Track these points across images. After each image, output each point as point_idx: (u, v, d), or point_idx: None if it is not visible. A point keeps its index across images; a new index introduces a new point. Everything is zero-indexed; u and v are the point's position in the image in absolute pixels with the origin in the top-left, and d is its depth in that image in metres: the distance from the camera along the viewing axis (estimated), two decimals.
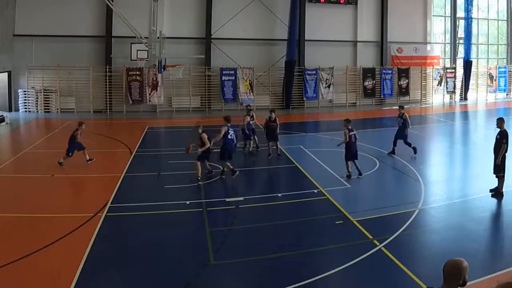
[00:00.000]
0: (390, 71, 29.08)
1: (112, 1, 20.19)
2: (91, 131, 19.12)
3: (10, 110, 23.21)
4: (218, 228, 8.46)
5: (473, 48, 31.72)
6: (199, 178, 11.24)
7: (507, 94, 33.04)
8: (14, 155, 14.30)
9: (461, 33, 31.56)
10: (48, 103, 23.76)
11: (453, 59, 32.20)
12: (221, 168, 12.00)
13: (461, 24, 31.34)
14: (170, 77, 22.39)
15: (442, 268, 3.43)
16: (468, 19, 30.11)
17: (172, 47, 21.50)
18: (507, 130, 10.12)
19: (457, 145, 17.63)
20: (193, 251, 7.53)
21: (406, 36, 29.70)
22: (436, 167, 13.84)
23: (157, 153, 15.39)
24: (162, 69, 17.72)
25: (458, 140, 18.94)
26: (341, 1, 27.87)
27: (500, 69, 32.64)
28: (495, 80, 32.44)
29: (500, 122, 10.15)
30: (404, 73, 29.44)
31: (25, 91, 23.65)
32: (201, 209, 9.47)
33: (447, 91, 31.01)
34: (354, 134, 11.80)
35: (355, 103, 28.60)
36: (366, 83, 28.54)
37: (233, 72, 25.57)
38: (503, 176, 10.04)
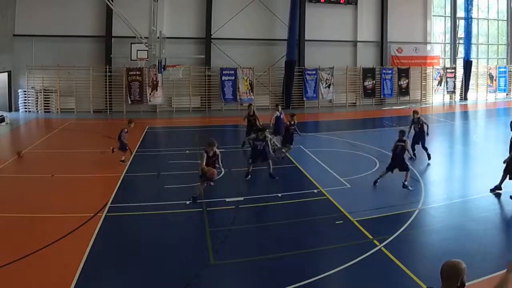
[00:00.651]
0: (390, 71, 29.09)
1: (112, 1, 20.19)
2: (91, 131, 19.18)
3: (10, 110, 23.21)
4: (218, 228, 8.45)
5: (473, 48, 31.72)
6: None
7: (507, 94, 33.04)
8: (14, 155, 14.29)
9: (461, 33, 31.56)
10: (48, 103, 23.77)
11: (453, 59, 32.20)
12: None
13: (461, 24, 31.34)
14: (170, 77, 22.39)
15: (439, 269, 3.43)
16: (468, 19, 30.11)
17: (172, 47, 21.51)
18: None
19: (457, 145, 17.63)
20: (193, 251, 7.53)
21: (406, 36, 29.70)
22: (436, 167, 13.83)
23: (157, 153, 15.39)
24: (162, 69, 17.71)
25: (458, 140, 18.94)
26: (341, 1, 27.88)
27: (500, 69, 32.65)
28: (495, 80, 32.44)
29: None
30: (404, 73, 29.44)
31: (25, 91, 23.65)
32: (201, 209, 9.47)
33: (447, 91, 31.02)
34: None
35: (355, 103, 28.60)
36: (366, 83, 28.55)
37: (233, 72, 25.57)
38: None
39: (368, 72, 28.51)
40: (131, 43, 20.17)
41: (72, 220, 8.59)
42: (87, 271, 6.67)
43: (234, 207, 9.62)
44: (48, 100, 23.77)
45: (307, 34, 27.10)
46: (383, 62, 29.29)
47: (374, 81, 28.67)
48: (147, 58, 18.75)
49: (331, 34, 27.76)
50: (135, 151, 14.98)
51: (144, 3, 19.10)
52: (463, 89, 31.41)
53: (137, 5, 21.26)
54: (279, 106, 16.16)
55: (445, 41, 32.49)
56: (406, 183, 10.72)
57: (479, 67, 32.72)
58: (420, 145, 13.86)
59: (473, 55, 31.38)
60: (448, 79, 30.87)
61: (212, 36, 25.69)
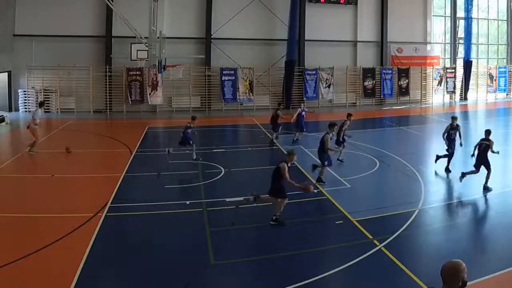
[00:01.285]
0: (390, 71, 29.09)
1: (112, 1, 20.19)
2: (91, 131, 19.18)
3: (10, 110, 23.21)
4: (218, 228, 8.45)
5: (473, 48, 31.73)
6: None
7: (507, 94, 33.05)
8: (14, 155, 14.30)
9: (461, 33, 31.57)
10: (48, 103, 23.73)
11: (453, 59, 32.20)
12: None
13: (461, 24, 31.34)
14: (170, 77, 22.39)
15: (440, 270, 3.43)
16: (468, 19, 30.11)
17: (172, 47, 21.51)
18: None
19: (457, 145, 17.58)
20: (193, 251, 7.53)
21: (406, 36, 29.71)
22: (436, 167, 13.82)
23: (157, 153, 15.39)
24: (162, 69, 17.72)
25: (458, 140, 18.89)
26: (341, 1, 27.89)
27: (500, 69, 32.66)
28: (495, 80, 32.45)
29: None
30: (404, 73, 29.45)
31: (25, 91, 23.65)
32: (201, 209, 9.47)
33: (447, 91, 31.03)
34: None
35: (355, 103, 28.61)
36: (366, 83, 28.55)
37: (233, 72, 25.57)
38: None
39: (368, 72, 28.52)
40: (131, 43, 20.14)
41: (72, 220, 8.59)
42: (87, 271, 6.67)
43: (234, 207, 9.62)
44: (48, 100, 23.74)
45: (307, 34, 27.10)
46: (383, 62, 29.30)
47: (374, 81, 28.67)
48: (147, 58, 18.74)
49: (331, 34, 27.76)
50: (135, 151, 14.97)
51: (144, 3, 19.10)
52: (463, 89, 31.42)
53: (137, 5, 21.25)
54: (302, 104, 17.34)
55: (445, 41, 32.49)
56: (487, 184, 10.66)
57: (479, 67, 32.73)
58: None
59: (473, 55, 31.39)
60: (448, 79, 30.88)
61: (212, 36, 25.69)
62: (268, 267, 7.02)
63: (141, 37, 17.48)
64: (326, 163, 11.31)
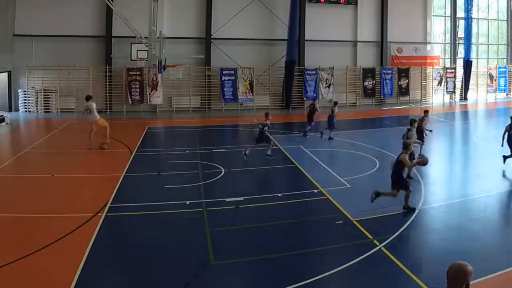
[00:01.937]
0: (390, 71, 29.09)
1: (112, 1, 20.18)
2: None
3: (10, 110, 23.21)
4: (218, 228, 8.45)
5: (473, 48, 31.72)
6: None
7: (507, 94, 33.05)
8: (14, 155, 14.30)
9: (461, 33, 31.56)
10: (48, 103, 23.77)
11: (453, 59, 32.20)
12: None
13: (461, 24, 31.34)
14: (170, 77, 22.40)
15: (446, 270, 3.42)
16: (468, 19, 30.11)
17: (172, 47, 21.51)
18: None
19: (457, 145, 17.63)
20: (193, 251, 7.53)
21: (406, 36, 29.71)
22: (436, 167, 13.83)
23: (157, 153, 15.39)
24: (162, 69, 17.72)
25: (458, 140, 18.94)
26: (341, 1, 27.90)
27: (500, 69, 32.65)
28: (495, 80, 32.44)
29: None
30: (404, 73, 29.45)
31: (25, 91, 23.65)
32: (201, 209, 9.47)
33: (447, 91, 31.03)
34: None
35: (355, 103, 28.61)
36: (366, 83, 28.55)
37: (233, 72, 25.57)
38: None
39: (368, 72, 28.52)
40: (131, 43, 20.17)
41: (72, 220, 8.58)
42: (87, 271, 6.66)
43: (234, 207, 9.62)
44: (48, 100, 23.77)
45: (307, 34, 27.10)
46: (383, 62, 29.30)
47: (374, 81, 28.68)
48: (147, 58, 18.76)
49: (331, 34, 27.76)
50: (135, 151, 14.97)
51: (144, 3, 19.16)
52: (463, 89, 31.42)
53: (137, 5, 21.29)
54: (336, 105, 18.14)
55: (445, 41, 32.50)
56: None
57: (479, 67, 32.72)
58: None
59: (473, 55, 31.38)
60: (448, 79, 30.87)
61: (212, 36, 25.69)
62: (268, 267, 7.01)
63: (141, 37, 17.49)
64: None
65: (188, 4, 25.51)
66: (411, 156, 10.60)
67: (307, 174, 12.09)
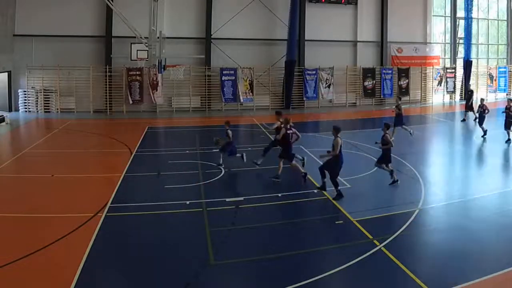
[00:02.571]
0: (390, 71, 29.09)
1: (112, 1, 20.19)
2: (91, 131, 19.18)
3: (10, 110, 23.22)
4: (218, 228, 8.45)
5: (473, 48, 31.72)
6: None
7: (507, 94, 33.04)
8: (14, 155, 14.30)
9: (461, 33, 31.56)
10: (48, 103, 23.77)
11: (453, 59, 32.21)
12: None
13: (461, 24, 31.35)
14: (170, 77, 22.40)
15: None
16: (468, 19, 30.11)
17: (172, 47, 21.52)
18: None
19: (457, 145, 17.63)
20: (193, 251, 7.53)
21: (406, 36, 29.72)
22: (436, 167, 13.84)
23: (157, 153, 15.39)
24: (162, 69, 17.72)
25: (458, 140, 18.93)
26: (342, 1, 27.90)
27: (500, 69, 32.66)
28: (495, 80, 32.45)
29: None
30: (404, 73, 29.45)
31: (25, 91, 23.66)
32: (201, 209, 9.47)
33: (447, 91, 31.03)
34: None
35: (355, 103, 28.61)
36: (366, 83, 28.55)
37: (233, 72, 25.57)
38: None
39: (368, 72, 28.52)
40: (131, 43, 20.15)
41: (72, 220, 8.59)
42: (87, 271, 6.67)
43: (234, 207, 9.62)
44: (48, 100, 23.78)
45: (307, 34, 27.11)
46: (383, 62, 29.31)
47: (374, 81, 28.68)
48: (147, 58, 18.75)
49: (331, 34, 27.77)
50: (135, 151, 14.97)
51: (144, 3, 19.12)
52: (463, 89, 31.40)
53: (137, 5, 21.26)
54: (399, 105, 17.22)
55: (445, 41, 32.50)
56: None
57: (479, 67, 32.73)
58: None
59: (473, 55, 31.38)
60: (448, 79, 30.88)
61: (212, 36, 25.70)
62: (268, 267, 7.01)
63: (141, 37, 17.49)
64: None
65: (188, 4, 25.51)
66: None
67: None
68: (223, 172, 12.20)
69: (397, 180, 11.07)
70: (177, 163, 13.24)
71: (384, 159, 11.25)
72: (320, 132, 19.42)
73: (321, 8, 27.54)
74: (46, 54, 23.49)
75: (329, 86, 27.53)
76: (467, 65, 30.49)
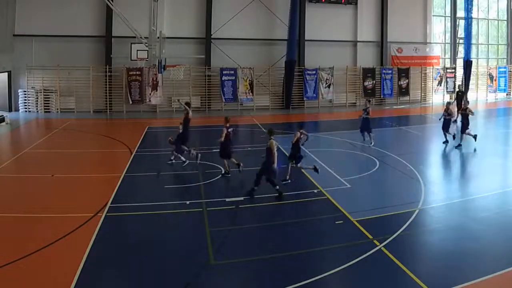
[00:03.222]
0: (390, 71, 29.09)
1: (112, 1, 20.18)
2: (91, 131, 19.19)
3: (10, 110, 23.23)
4: (218, 228, 8.45)
5: (473, 48, 31.72)
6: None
7: (507, 94, 33.06)
8: (14, 155, 14.30)
9: (461, 33, 31.56)
10: (48, 103, 23.77)
11: (453, 59, 32.21)
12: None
13: (461, 24, 31.35)
14: (170, 77, 22.40)
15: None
16: (468, 19, 30.11)
17: (172, 47, 21.50)
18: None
19: (457, 145, 17.59)
20: (193, 251, 7.53)
21: (406, 36, 29.72)
22: (436, 167, 13.84)
23: (157, 153, 15.39)
24: (162, 69, 17.71)
25: (458, 140, 18.91)
26: (342, 1, 27.91)
27: (500, 69, 32.66)
28: (495, 80, 32.46)
29: None
30: (404, 73, 29.45)
31: (25, 91, 23.66)
32: (201, 209, 9.47)
33: (447, 91, 31.02)
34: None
35: (355, 103, 28.60)
36: (366, 83, 28.55)
37: (233, 72, 25.57)
38: None
39: (368, 72, 28.52)
40: (131, 43, 20.16)
41: (72, 220, 8.59)
42: (87, 271, 6.67)
43: (234, 207, 9.63)
44: (48, 100, 23.78)
45: (307, 34, 27.10)
46: (383, 62, 29.30)
47: (374, 81, 28.68)
48: (147, 58, 18.75)
49: (331, 34, 27.77)
50: (135, 151, 14.97)
51: (144, 3, 19.17)
52: (463, 89, 31.36)
53: (137, 5, 21.29)
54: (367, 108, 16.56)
55: (445, 41, 32.49)
56: None
57: (479, 67, 32.73)
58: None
59: (473, 55, 31.37)
60: (448, 79, 30.88)
61: (212, 36, 25.69)
62: (268, 267, 7.02)
63: (141, 37, 17.49)
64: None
65: (188, 4, 25.51)
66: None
67: (307, 174, 12.08)
68: (223, 172, 12.19)
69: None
70: (177, 163, 13.23)
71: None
72: (320, 132, 19.41)
73: (321, 8, 27.53)
74: (46, 54, 23.49)
75: (329, 86, 27.53)
76: (467, 65, 30.48)
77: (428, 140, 18.33)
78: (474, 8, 30.96)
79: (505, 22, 34.00)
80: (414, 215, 9.00)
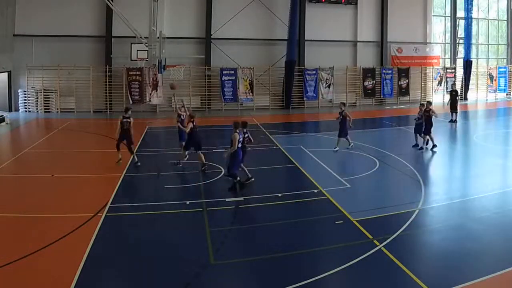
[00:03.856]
0: (390, 71, 29.10)
1: (112, 1, 20.19)
2: (91, 131, 19.19)
3: (10, 110, 23.24)
4: (218, 228, 8.45)
5: (473, 48, 31.74)
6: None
7: (507, 94, 33.06)
8: (14, 155, 14.30)
9: (461, 33, 31.58)
10: (48, 103, 23.79)
11: (453, 59, 32.22)
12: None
13: (461, 24, 31.36)
14: (170, 77, 22.40)
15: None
16: (468, 19, 30.14)
17: (172, 47, 21.51)
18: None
19: (457, 145, 17.62)
20: (193, 251, 7.53)
21: (406, 36, 29.73)
22: (436, 167, 13.84)
23: (157, 153, 15.39)
24: (162, 69, 17.73)
25: (458, 140, 18.93)
26: (342, 1, 27.91)
27: (500, 69, 32.68)
28: (495, 80, 32.47)
29: None
30: (404, 73, 29.47)
31: (25, 91, 23.67)
32: (201, 209, 9.47)
33: (447, 91, 31.01)
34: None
35: (355, 103, 28.62)
36: (366, 83, 28.57)
37: (233, 72, 25.58)
38: None
39: (368, 72, 28.53)
40: (131, 43, 20.16)
41: (72, 220, 8.59)
42: (87, 271, 6.67)
43: (234, 207, 9.62)
44: (48, 100, 23.79)
45: (307, 34, 27.11)
46: (383, 62, 29.31)
47: (374, 81, 28.69)
48: (147, 58, 18.76)
49: (331, 34, 27.78)
50: (135, 151, 14.94)
51: (144, 3, 19.17)
52: (463, 89, 31.42)
53: (137, 5, 21.29)
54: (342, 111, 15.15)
55: (445, 41, 32.50)
56: None
57: (479, 67, 32.74)
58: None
59: (473, 55, 31.40)
60: (448, 79, 30.88)
61: (212, 36, 25.70)
62: (268, 267, 7.01)
63: (141, 37, 17.49)
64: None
65: (188, 4, 25.52)
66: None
67: (307, 174, 12.09)
68: (223, 172, 12.19)
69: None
70: (177, 163, 13.22)
71: None
72: (320, 132, 19.42)
73: (321, 8, 27.54)
74: (46, 54, 23.50)
75: (329, 86, 27.54)
76: (467, 65, 30.50)
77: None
78: (474, 8, 31.00)
79: (505, 22, 34.01)
80: (414, 215, 9.00)
